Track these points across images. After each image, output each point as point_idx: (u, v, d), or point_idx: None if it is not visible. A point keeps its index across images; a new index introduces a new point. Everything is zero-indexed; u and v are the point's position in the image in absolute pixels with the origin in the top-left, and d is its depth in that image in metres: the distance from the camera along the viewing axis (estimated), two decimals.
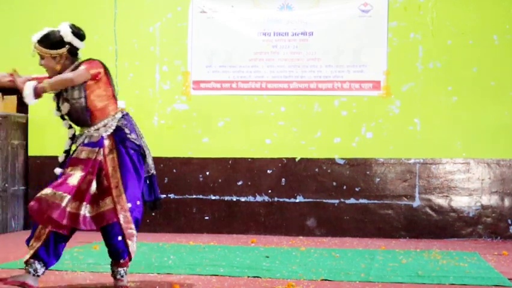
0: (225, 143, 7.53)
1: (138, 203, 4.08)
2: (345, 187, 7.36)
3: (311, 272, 4.89)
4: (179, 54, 7.63)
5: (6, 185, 7.44)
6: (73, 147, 4.20)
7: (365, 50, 7.38)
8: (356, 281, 4.58)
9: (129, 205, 4.00)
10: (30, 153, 7.80)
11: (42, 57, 4.15)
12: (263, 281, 4.54)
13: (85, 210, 3.92)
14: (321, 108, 7.44)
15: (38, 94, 3.95)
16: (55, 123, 7.73)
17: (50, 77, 4.12)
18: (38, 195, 3.90)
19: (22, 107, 7.85)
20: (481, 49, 7.23)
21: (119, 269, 4.12)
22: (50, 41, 4.12)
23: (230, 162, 7.53)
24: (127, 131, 4.10)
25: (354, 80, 7.38)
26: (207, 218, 7.50)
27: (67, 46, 4.14)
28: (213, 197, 7.50)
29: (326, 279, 4.62)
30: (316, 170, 7.41)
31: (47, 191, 3.88)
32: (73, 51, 4.19)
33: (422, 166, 7.29)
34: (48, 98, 8.22)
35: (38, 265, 3.99)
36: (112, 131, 4.07)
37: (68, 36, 4.15)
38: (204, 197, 7.51)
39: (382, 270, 5.00)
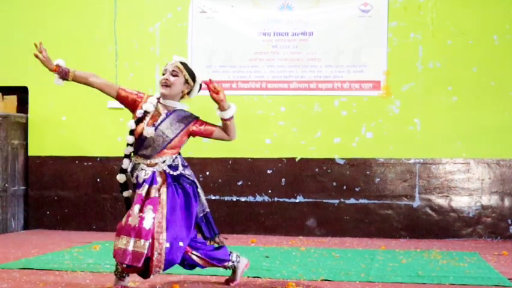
0: (225, 143, 7.49)
1: (181, 244, 3.97)
2: (345, 187, 7.36)
3: (311, 272, 4.89)
4: (179, 54, 7.56)
5: (6, 185, 7.45)
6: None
7: (365, 50, 7.38)
8: (356, 281, 4.58)
9: (167, 245, 3.90)
10: (30, 153, 7.80)
11: (174, 75, 4.15)
12: (263, 281, 4.54)
13: (131, 246, 3.90)
14: (321, 108, 7.44)
15: (230, 119, 4.26)
16: (55, 123, 7.77)
17: (164, 96, 4.20)
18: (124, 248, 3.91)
19: (22, 107, 7.85)
20: (481, 49, 7.23)
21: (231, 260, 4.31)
22: (190, 70, 4.26)
23: (230, 162, 7.53)
24: (180, 168, 4.10)
25: (354, 80, 7.38)
26: None
27: (192, 85, 4.27)
28: (213, 197, 7.50)
29: (326, 279, 4.62)
30: (317, 170, 7.41)
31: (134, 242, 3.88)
32: (188, 93, 4.30)
33: (422, 166, 7.29)
34: (47, 96, 8.23)
35: None
36: (166, 167, 4.06)
37: (198, 81, 4.30)
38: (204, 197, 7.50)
39: (382, 270, 5.00)
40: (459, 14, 7.29)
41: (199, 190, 4.18)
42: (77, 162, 7.71)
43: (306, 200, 7.40)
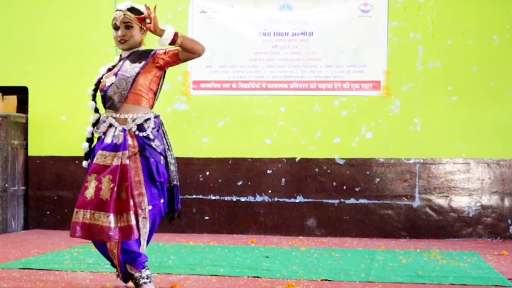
0: (225, 143, 7.53)
1: (162, 201, 3.95)
2: (345, 187, 7.36)
3: (311, 272, 4.89)
4: None
5: (6, 185, 7.45)
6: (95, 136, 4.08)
7: (365, 50, 7.38)
8: (356, 281, 4.58)
9: (149, 207, 3.87)
10: (30, 153, 7.80)
11: (127, 27, 3.97)
12: (263, 281, 4.54)
13: (113, 222, 3.78)
14: (321, 108, 7.44)
15: (174, 41, 3.85)
16: (55, 124, 7.77)
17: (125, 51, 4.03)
18: (76, 220, 3.79)
19: (22, 107, 7.85)
20: (481, 49, 7.24)
21: (137, 274, 3.93)
22: (140, 13, 3.99)
23: (230, 162, 7.53)
24: (151, 136, 3.91)
25: (354, 80, 7.38)
26: (207, 218, 7.50)
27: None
28: (213, 197, 7.50)
29: (326, 279, 4.62)
30: (317, 170, 7.41)
31: (83, 214, 3.78)
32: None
33: (422, 166, 7.29)
34: (47, 96, 8.23)
35: (143, 273, 3.93)
36: (134, 128, 3.90)
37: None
38: (204, 197, 7.51)
39: (382, 270, 5.00)
40: (459, 14, 7.29)
41: (169, 159, 3.98)
42: (77, 162, 7.70)
43: (306, 200, 7.40)
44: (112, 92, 3.96)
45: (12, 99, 7.81)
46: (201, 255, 5.74)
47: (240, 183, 7.50)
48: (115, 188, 3.78)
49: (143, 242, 3.93)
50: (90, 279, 4.57)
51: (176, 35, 3.87)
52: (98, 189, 3.79)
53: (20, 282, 4.42)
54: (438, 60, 7.30)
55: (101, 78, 4.07)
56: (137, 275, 3.93)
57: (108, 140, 3.92)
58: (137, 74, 3.92)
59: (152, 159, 3.89)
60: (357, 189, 7.35)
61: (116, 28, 4.02)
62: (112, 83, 3.95)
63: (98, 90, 4.07)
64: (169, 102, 7.60)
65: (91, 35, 7.75)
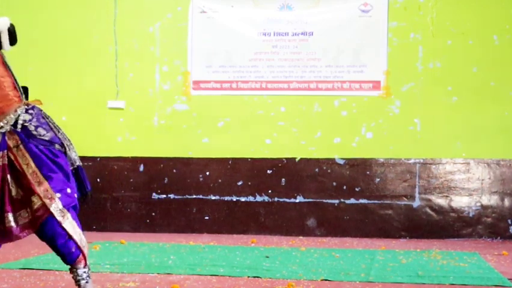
0: (225, 143, 7.53)
1: (69, 190, 3.66)
2: (345, 187, 7.36)
3: (311, 272, 4.89)
4: (179, 54, 7.63)
5: None
6: None
7: (365, 50, 7.38)
8: (356, 281, 4.57)
9: (58, 195, 3.57)
10: None
11: None
12: (263, 281, 4.53)
13: (13, 221, 3.54)
14: (321, 108, 7.44)
15: None
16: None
17: None
18: None
19: None
20: (481, 49, 7.24)
21: (79, 271, 3.70)
22: None
23: (230, 162, 7.53)
24: (31, 127, 3.66)
25: (354, 80, 7.38)
26: (207, 218, 7.50)
27: None
28: (213, 197, 7.50)
29: (326, 279, 4.61)
30: (317, 170, 7.41)
31: None
32: None
33: (422, 166, 7.29)
34: (47, 96, 8.23)
35: None
36: (9, 128, 3.63)
37: (3, 28, 3.78)
38: (204, 197, 7.51)
39: (382, 270, 5.00)
40: (459, 14, 7.29)
41: (66, 144, 3.79)
42: None
43: (306, 200, 7.40)
44: None
45: None
46: (201, 255, 5.74)
47: (240, 183, 7.50)
48: (6, 187, 3.57)
49: (74, 235, 3.68)
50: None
51: None
52: (9, 194, 3.57)
53: (20, 282, 4.41)
54: (438, 60, 7.30)
55: None
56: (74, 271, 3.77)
57: None
58: None
59: (41, 146, 3.66)
60: (357, 189, 7.35)
61: None
62: None
63: None
64: (169, 102, 7.60)
65: (91, 35, 7.75)
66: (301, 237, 7.28)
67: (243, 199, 7.48)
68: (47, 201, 3.55)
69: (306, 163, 7.44)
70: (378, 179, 7.34)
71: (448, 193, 7.24)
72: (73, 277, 3.74)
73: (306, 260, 5.49)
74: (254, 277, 4.67)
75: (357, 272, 4.89)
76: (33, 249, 5.97)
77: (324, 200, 7.38)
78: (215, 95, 7.57)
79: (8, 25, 3.85)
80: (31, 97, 8.62)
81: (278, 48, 7.52)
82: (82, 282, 3.70)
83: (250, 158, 7.50)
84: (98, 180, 7.67)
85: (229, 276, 4.72)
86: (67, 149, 3.78)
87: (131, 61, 7.69)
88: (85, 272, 3.72)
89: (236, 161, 7.51)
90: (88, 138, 7.71)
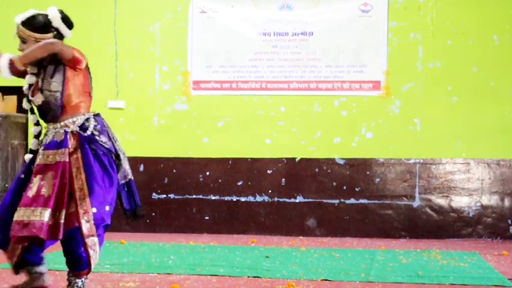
0: (225, 143, 7.53)
1: (107, 208, 3.69)
2: (345, 187, 7.36)
3: (311, 272, 4.89)
4: (179, 54, 7.63)
5: (6, 185, 7.44)
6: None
7: (365, 50, 7.38)
8: (356, 281, 4.57)
9: (94, 210, 3.59)
10: None
11: (24, 41, 3.81)
12: (263, 281, 4.53)
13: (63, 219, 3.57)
14: (321, 108, 7.44)
15: (12, 66, 3.65)
16: None
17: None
18: (15, 219, 3.57)
19: (22, 107, 7.84)
20: (481, 49, 7.24)
21: (77, 279, 3.74)
22: (36, 24, 3.79)
23: (230, 162, 7.53)
24: (95, 132, 3.74)
25: (354, 80, 7.38)
26: (207, 218, 7.50)
27: (53, 32, 3.80)
28: (213, 197, 7.50)
29: (326, 279, 4.62)
30: (317, 170, 7.41)
31: (22, 212, 3.56)
32: (59, 39, 3.80)
33: (422, 166, 7.29)
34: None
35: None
36: (77, 128, 3.72)
37: (57, 21, 3.80)
38: (204, 197, 7.51)
39: (382, 270, 5.00)
40: (459, 14, 7.29)
41: (121, 156, 3.83)
42: None
43: (306, 200, 7.40)
44: (46, 107, 3.77)
45: (12, 99, 7.80)
46: (201, 255, 5.74)
47: (240, 183, 7.49)
48: (57, 184, 3.60)
49: (92, 252, 3.67)
50: (90, 279, 4.56)
51: (11, 62, 3.72)
52: (40, 186, 3.61)
53: (20, 282, 4.40)
54: (438, 60, 7.30)
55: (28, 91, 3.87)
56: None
57: (49, 139, 3.75)
58: (63, 81, 3.77)
59: (102, 154, 3.71)
60: (357, 189, 7.34)
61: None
62: (43, 100, 3.76)
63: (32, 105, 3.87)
64: (169, 102, 7.60)
65: (91, 35, 7.75)
66: (301, 237, 7.28)
67: (243, 199, 7.48)
68: (81, 211, 3.57)
69: (306, 163, 7.43)
70: (378, 179, 7.34)
71: (448, 193, 7.24)
72: (68, 279, 3.78)
73: (306, 260, 5.49)
74: (254, 277, 4.68)
75: (357, 272, 4.89)
76: None
77: (324, 200, 7.38)
78: (215, 95, 7.57)
79: (60, 16, 3.86)
80: None
81: (278, 48, 7.52)
82: None
83: (250, 158, 7.50)
84: None
85: (229, 276, 4.72)
86: (122, 161, 3.83)
87: (131, 61, 7.69)
88: (82, 281, 3.77)
89: (236, 161, 7.51)
90: None
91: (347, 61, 7.40)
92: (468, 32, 7.26)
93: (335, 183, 7.38)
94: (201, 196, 7.52)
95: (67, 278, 3.81)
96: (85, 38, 7.75)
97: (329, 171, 7.40)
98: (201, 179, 7.52)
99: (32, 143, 3.87)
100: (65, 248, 3.69)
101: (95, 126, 3.77)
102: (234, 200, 7.50)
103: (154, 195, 7.56)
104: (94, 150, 3.70)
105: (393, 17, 7.35)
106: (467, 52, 7.26)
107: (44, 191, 3.58)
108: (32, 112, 3.90)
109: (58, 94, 3.73)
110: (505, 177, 7.19)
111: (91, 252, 3.64)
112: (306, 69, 7.46)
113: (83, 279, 3.77)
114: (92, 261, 3.68)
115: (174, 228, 7.51)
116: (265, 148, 7.50)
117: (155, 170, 7.57)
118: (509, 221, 7.17)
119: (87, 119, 3.77)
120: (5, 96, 7.79)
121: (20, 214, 3.58)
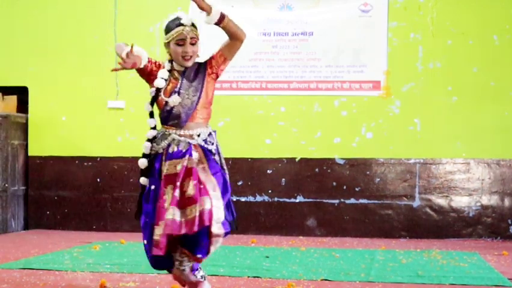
0: (225, 143, 7.48)
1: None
2: (345, 187, 7.36)
3: (311, 272, 4.89)
4: None
5: (6, 185, 7.44)
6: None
7: (365, 50, 7.38)
8: (356, 281, 4.58)
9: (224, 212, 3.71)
10: (30, 153, 7.80)
11: (193, 43, 3.93)
12: (263, 281, 4.53)
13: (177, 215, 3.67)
14: (321, 108, 7.44)
15: (221, 20, 3.87)
16: (55, 123, 7.77)
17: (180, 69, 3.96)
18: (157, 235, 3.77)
19: (22, 107, 7.85)
20: (481, 49, 7.23)
21: (196, 264, 3.84)
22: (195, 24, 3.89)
23: (230, 162, 7.52)
24: (213, 148, 3.95)
25: (354, 80, 7.38)
26: None
27: None
28: None
29: (326, 279, 4.62)
30: (317, 170, 7.41)
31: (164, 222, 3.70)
32: None
33: (422, 166, 7.29)
34: (47, 96, 8.22)
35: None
36: (199, 142, 3.87)
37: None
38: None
39: (382, 270, 5.00)
40: (459, 14, 7.29)
41: (227, 172, 3.98)
42: (77, 162, 7.71)
43: (306, 200, 7.40)
44: (178, 111, 3.86)
45: (12, 99, 7.81)
46: None
47: (240, 183, 7.49)
48: (196, 183, 3.67)
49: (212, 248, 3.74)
50: (90, 279, 4.57)
51: (223, 15, 3.89)
52: (182, 192, 3.68)
53: (20, 282, 4.42)
54: (438, 60, 7.30)
55: (159, 93, 3.94)
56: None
57: (174, 149, 3.83)
58: (201, 92, 3.95)
59: (218, 168, 3.88)
60: (357, 189, 7.34)
61: (180, 44, 3.92)
62: (179, 103, 3.86)
63: (157, 106, 3.95)
64: None
65: (91, 35, 7.75)
66: (301, 237, 7.28)
67: (243, 199, 7.48)
68: (215, 209, 3.62)
69: (306, 163, 7.43)
70: (378, 179, 7.34)
71: (448, 193, 7.24)
72: (177, 259, 3.83)
73: (306, 260, 5.49)
74: (254, 277, 4.68)
75: (357, 272, 4.89)
76: (33, 249, 5.97)
77: (324, 200, 7.38)
78: (215, 94, 7.52)
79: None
80: (31, 97, 8.64)
81: (278, 48, 7.52)
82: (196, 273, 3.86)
83: (250, 158, 7.50)
84: (98, 180, 7.67)
85: (229, 276, 4.72)
86: (227, 176, 3.98)
87: None
88: (188, 265, 3.80)
89: (236, 161, 7.50)
90: (88, 138, 7.71)
91: (347, 61, 7.40)
92: (468, 32, 7.26)
93: (335, 183, 7.38)
94: None
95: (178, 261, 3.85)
96: (85, 38, 7.77)
97: (329, 171, 7.40)
98: None
99: (145, 146, 3.97)
100: (192, 236, 3.69)
101: (211, 142, 4.01)
102: (234, 200, 7.49)
103: None
104: (215, 167, 3.85)
105: (393, 17, 7.35)
106: (467, 52, 7.26)
107: (188, 193, 3.64)
108: (152, 116, 3.96)
109: (195, 98, 3.91)
110: (505, 177, 7.19)
111: (211, 248, 3.71)
112: (306, 69, 7.46)
113: (199, 265, 3.91)
114: (210, 251, 3.74)
115: None
116: (265, 148, 7.50)
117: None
118: (509, 221, 7.17)
119: (209, 134, 4.01)
120: (5, 96, 7.79)
121: (160, 229, 3.77)
